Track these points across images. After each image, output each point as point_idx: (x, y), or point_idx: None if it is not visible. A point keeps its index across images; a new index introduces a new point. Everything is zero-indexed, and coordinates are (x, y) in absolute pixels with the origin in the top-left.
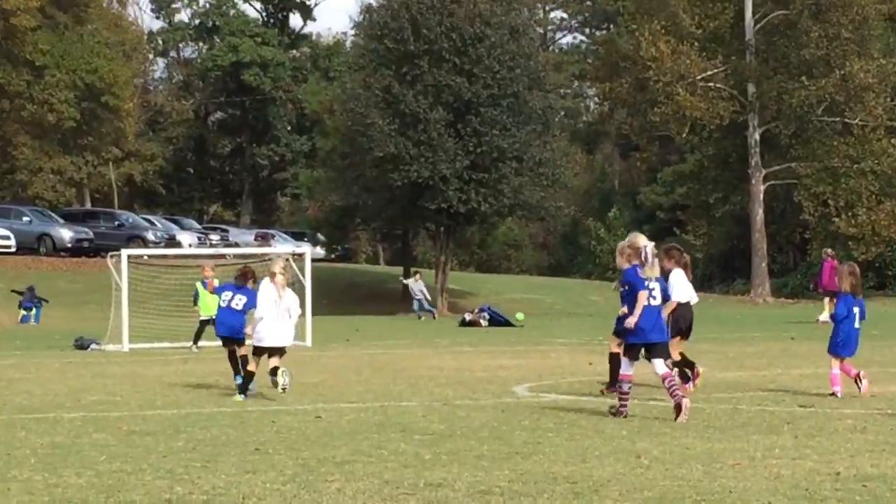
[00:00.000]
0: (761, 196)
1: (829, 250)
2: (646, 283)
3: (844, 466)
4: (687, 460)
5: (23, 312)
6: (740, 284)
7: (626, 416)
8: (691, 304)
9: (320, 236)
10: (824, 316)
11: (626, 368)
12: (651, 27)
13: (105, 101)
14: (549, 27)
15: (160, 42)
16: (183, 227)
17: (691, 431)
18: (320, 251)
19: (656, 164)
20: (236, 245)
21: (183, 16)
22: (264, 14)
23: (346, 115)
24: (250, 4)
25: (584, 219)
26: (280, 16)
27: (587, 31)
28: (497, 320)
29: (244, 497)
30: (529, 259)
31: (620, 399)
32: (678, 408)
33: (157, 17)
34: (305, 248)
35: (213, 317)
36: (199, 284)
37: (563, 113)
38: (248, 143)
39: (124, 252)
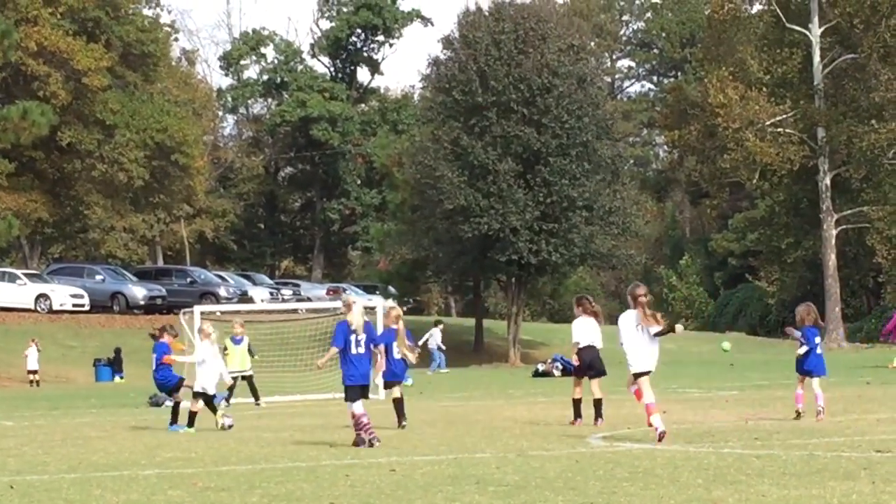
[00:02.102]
0: (833, 240)
1: None
2: (351, 333)
3: None
4: None
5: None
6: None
7: (367, 445)
8: (595, 346)
9: (391, 289)
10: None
11: (357, 408)
12: (719, 74)
13: (175, 159)
14: (617, 76)
15: (229, 99)
16: (255, 283)
17: (767, 479)
18: (392, 304)
19: (727, 210)
20: (308, 300)
21: (251, 72)
22: (332, 69)
23: (415, 168)
24: (318, 60)
25: (655, 266)
26: (348, 70)
27: (655, 78)
28: (570, 370)
29: None
30: (602, 308)
31: (357, 430)
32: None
33: (226, 75)
34: (377, 301)
35: (244, 372)
36: (228, 341)
37: (632, 161)
38: (319, 197)
39: (197, 308)
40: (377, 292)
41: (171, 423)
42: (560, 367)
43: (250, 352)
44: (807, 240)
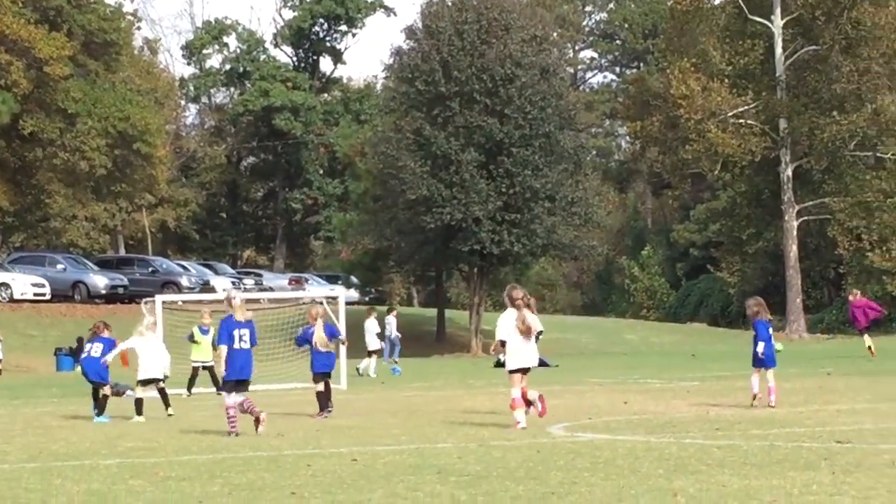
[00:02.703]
0: (795, 232)
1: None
2: (235, 329)
3: (881, 502)
4: (723, 498)
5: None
6: (775, 321)
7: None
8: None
9: (354, 279)
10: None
11: (229, 400)
12: (681, 65)
13: (137, 148)
14: (580, 67)
15: (192, 88)
16: (217, 272)
17: (727, 469)
18: (354, 294)
19: (689, 201)
20: (270, 289)
21: (214, 62)
22: (295, 59)
23: (377, 158)
24: (281, 49)
25: (617, 257)
26: (310, 60)
27: (617, 69)
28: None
29: None
30: (563, 298)
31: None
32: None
33: (188, 64)
34: (339, 291)
35: (205, 363)
36: (196, 330)
37: (594, 152)
38: (281, 187)
39: (158, 298)
40: (339, 282)
41: (98, 414)
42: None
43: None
44: (768, 231)
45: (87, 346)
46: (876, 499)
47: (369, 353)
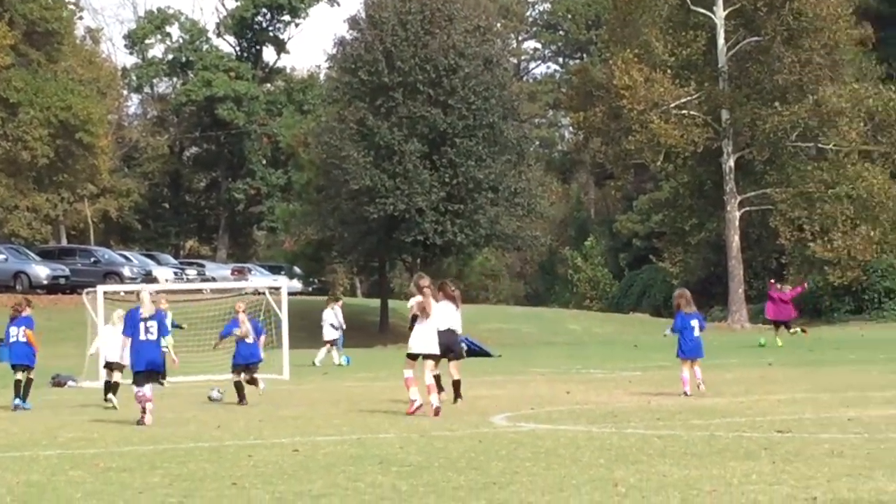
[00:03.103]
0: (737, 222)
1: (777, 284)
2: (141, 321)
3: (821, 491)
4: (664, 488)
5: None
6: (717, 311)
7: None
8: (453, 330)
9: (297, 269)
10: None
11: (143, 391)
12: (624, 56)
13: (79, 138)
14: (523, 57)
15: (134, 78)
16: (159, 263)
17: (668, 459)
18: (297, 284)
19: (632, 192)
20: (213, 280)
21: (156, 51)
22: (238, 49)
23: (320, 148)
24: (223, 39)
25: (560, 248)
26: (253, 50)
27: (561, 60)
28: (475, 351)
29: None
30: (507, 289)
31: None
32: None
33: (131, 54)
34: (282, 282)
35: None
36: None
37: (537, 142)
38: (224, 177)
39: (100, 288)
40: (282, 272)
41: (22, 400)
42: (465, 347)
43: (177, 325)
44: (710, 221)
45: (14, 331)
46: (815, 488)
47: (325, 343)
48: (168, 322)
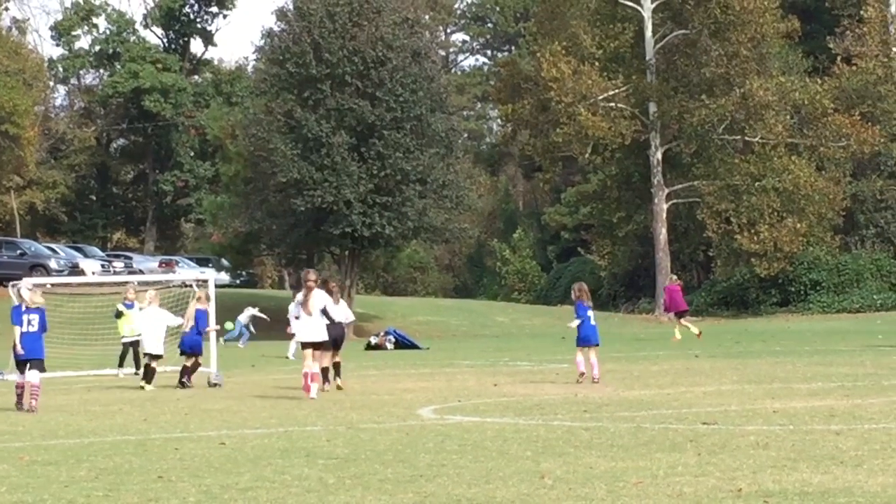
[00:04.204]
0: (664, 215)
1: (673, 276)
2: (24, 314)
3: (746, 483)
4: (590, 480)
5: None
6: (645, 303)
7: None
8: (341, 322)
9: (224, 262)
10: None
11: (27, 378)
12: (552, 48)
13: (5, 130)
14: (451, 50)
15: (60, 69)
16: (86, 255)
17: (595, 451)
18: (225, 277)
19: (560, 184)
20: (140, 272)
21: (83, 43)
22: (165, 40)
23: (248, 141)
24: (151, 30)
25: (488, 240)
26: (181, 42)
27: (489, 52)
28: (403, 343)
29: None
30: (435, 281)
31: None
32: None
33: (57, 45)
34: (209, 274)
35: (135, 338)
36: (121, 306)
37: (466, 135)
38: (151, 169)
39: (26, 281)
40: (210, 265)
41: None
42: (393, 339)
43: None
44: (638, 214)
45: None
46: (741, 479)
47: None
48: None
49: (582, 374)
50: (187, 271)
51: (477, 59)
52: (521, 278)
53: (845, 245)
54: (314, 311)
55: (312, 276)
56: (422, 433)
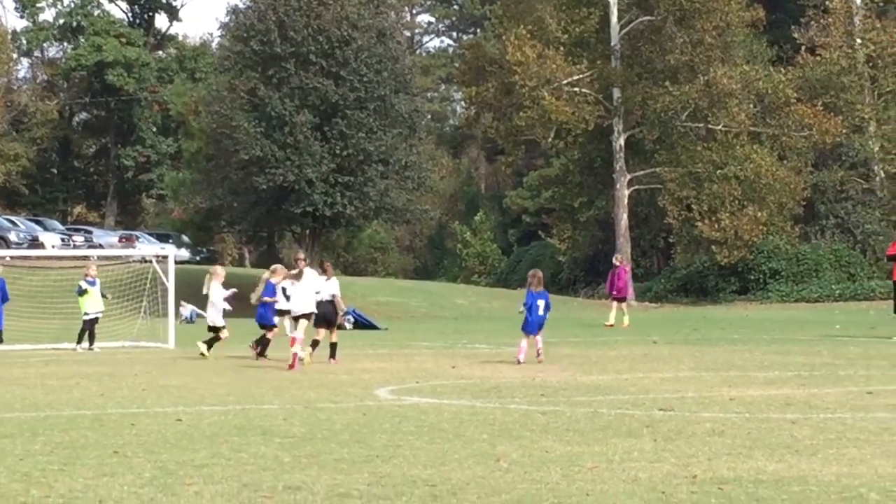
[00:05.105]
0: (626, 201)
1: (619, 256)
2: None
3: (701, 469)
4: (546, 463)
5: None
6: (605, 288)
7: None
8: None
9: (185, 238)
10: (611, 319)
11: None
12: (517, 32)
13: None
14: (417, 31)
15: (24, 42)
16: (46, 228)
17: (551, 435)
18: (185, 253)
19: (522, 168)
20: (100, 246)
21: (47, 15)
22: (129, 14)
23: (211, 117)
24: (115, 4)
25: (450, 222)
26: (146, 16)
27: (454, 34)
28: (362, 323)
29: (101, 500)
30: (395, 262)
31: None
32: None
33: (21, 17)
34: (170, 250)
35: (98, 314)
36: (84, 283)
37: (429, 116)
38: (113, 143)
39: None
40: (171, 241)
41: None
42: (352, 319)
43: (103, 294)
44: (600, 199)
45: None
46: (696, 466)
47: (278, 313)
48: (98, 289)
49: (519, 361)
50: (147, 247)
51: (442, 41)
52: (481, 261)
53: (805, 235)
54: (305, 287)
55: (302, 255)
56: (378, 414)
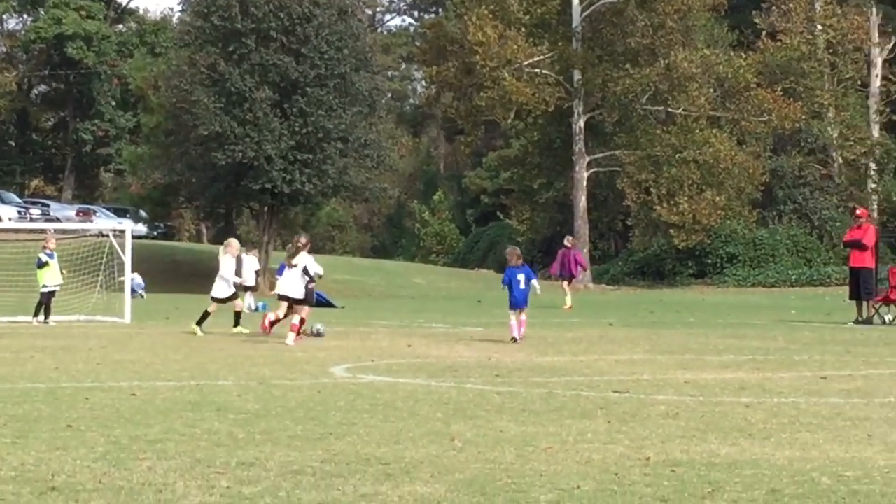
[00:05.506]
0: (584, 183)
1: (570, 237)
2: None
3: (655, 452)
4: (500, 443)
5: None
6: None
7: None
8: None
9: (143, 213)
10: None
11: None
12: (479, 12)
13: None
14: (378, 9)
15: None
16: (3, 201)
17: (506, 415)
18: (142, 228)
19: (481, 148)
20: (57, 220)
21: None
22: None
23: (170, 92)
24: None
25: (408, 201)
26: None
27: (416, 13)
28: (319, 301)
29: (53, 474)
30: (353, 240)
31: None
32: None
33: None
34: (127, 225)
35: (56, 287)
36: (43, 255)
37: (389, 95)
38: (72, 117)
39: None
40: (128, 216)
41: None
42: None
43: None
44: (559, 181)
45: None
46: (649, 448)
47: (245, 289)
48: (56, 262)
49: (514, 339)
50: (105, 221)
51: (403, 20)
52: (439, 240)
53: (763, 220)
54: (298, 270)
55: (304, 239)
56: (334, 391)
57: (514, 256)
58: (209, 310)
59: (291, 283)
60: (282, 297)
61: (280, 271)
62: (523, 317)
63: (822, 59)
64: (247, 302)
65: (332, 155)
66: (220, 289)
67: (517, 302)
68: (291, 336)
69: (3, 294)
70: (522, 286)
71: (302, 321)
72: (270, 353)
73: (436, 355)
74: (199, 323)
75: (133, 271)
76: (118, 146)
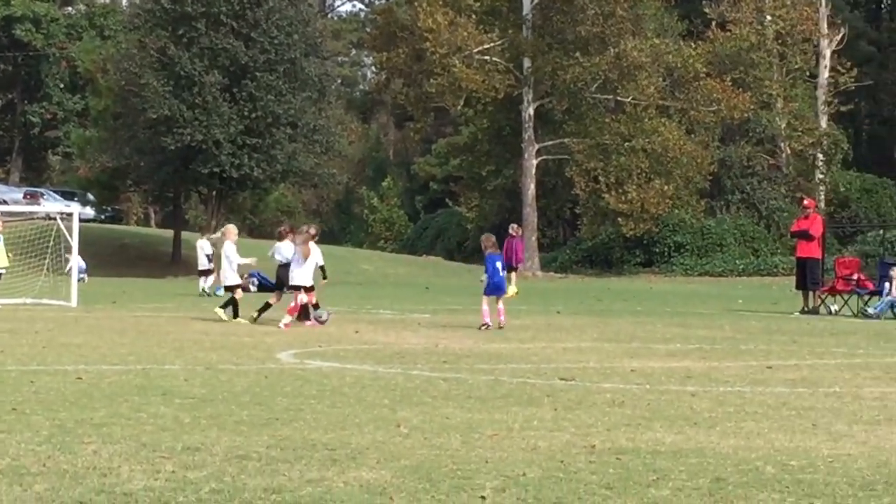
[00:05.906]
0: (533, 170)
1: (515, 225)
2: None
3: (600, 440)
4: (446, 430)
5: None
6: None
7: None
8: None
9: (90, 196)
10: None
11: None
12: None
13: None
14: None
15: None
16: None
17: (452, 402)
18: (90, 211)
19: (431, 135)
20: (4, 203)
21: None
22: None
23: (119, 75)
24: None
25: (357, 187)
26: None
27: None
28: (266, 286)
29: None
30: (302, 226)
31: None
32: None
33: None
34: (74, 208)
35: (3, 270)
36: None
37: (339, 81)
38: (20, 99)
39: None
40: (76, 199)
41: None
42: (256, 282)
43: None
44: (508, 168)
45: None
46: (595, 436)
47: (200, 273)
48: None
49: (486, 325)
50: (52, 204)
51: (354, 6)
52: (387, 227)
53: (711, 209)
54: (309, 260)
55: (313, 230)
56: (280, 377)
57: (490, 243)
58: (235, 297)
59: (305, 274)
60: (293, 287)
61: (290, 262)
62: (501, 304)
63: (771, 50)
64: (201, 285)
65: (280, 140)
66: (230, 276)
67: (497, 288)
68: (288, 318)
69: None
70: (501, 273)
71: (304, 306)
72: (218, 337)
73: (383, 342)
74: (234, 315)
75: (80, 255)
76: (66, 129)
